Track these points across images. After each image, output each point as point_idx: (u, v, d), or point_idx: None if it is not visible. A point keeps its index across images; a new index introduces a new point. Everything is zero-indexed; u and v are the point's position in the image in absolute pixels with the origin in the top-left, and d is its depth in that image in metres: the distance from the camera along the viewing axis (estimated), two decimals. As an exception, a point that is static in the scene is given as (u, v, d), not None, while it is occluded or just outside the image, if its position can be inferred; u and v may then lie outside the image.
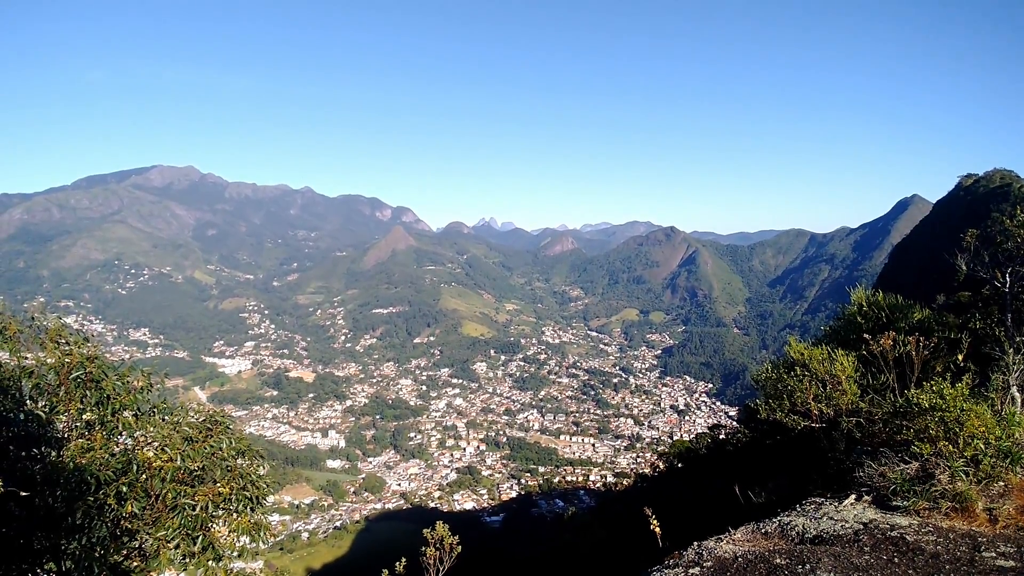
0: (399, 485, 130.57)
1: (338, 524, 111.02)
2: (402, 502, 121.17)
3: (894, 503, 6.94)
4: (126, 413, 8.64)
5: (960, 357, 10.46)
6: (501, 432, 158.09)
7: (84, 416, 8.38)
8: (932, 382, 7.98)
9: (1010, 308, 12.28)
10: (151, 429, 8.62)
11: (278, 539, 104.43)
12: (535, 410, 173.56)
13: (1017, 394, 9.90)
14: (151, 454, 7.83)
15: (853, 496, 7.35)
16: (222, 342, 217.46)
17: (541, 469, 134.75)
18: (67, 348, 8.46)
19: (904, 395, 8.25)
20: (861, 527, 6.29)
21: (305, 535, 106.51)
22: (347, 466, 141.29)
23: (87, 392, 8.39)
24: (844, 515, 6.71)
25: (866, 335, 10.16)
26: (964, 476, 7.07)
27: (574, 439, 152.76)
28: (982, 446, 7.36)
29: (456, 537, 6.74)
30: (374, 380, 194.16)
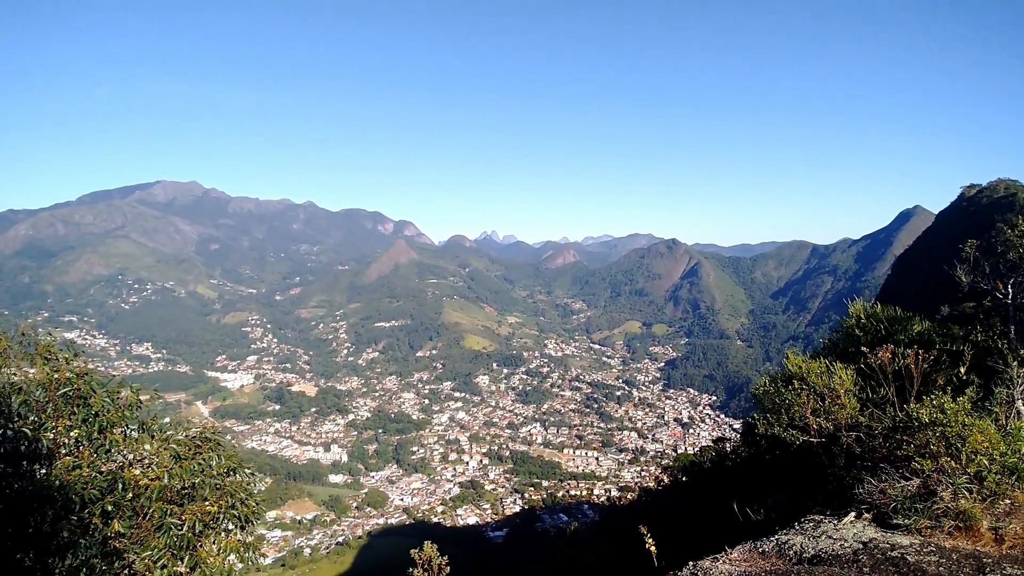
0: (402, 500, 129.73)
1: (340, 540, 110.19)
2: (405, 517, 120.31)
3: (895, 521, 6.73)
4: (116, 430, 8.51)
5: (962, 370, 10.26)
6: (504, 446, 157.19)
7: (72, 433, 8.27)
8: (932, 396, 7.78)
9: (1013, 320, 12.09)
10: (143, 447, 8.51)
11: (280, 555, 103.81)
12: (538, 423, 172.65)
13: (1023, 408, 9.69)
14: (138, 472, 7.71)
15: (853, 514, 7.15)
16: (224, 356, 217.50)
17: (544, 483, 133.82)
18: (56, 364, 8.36)
19: (904, 409, 8.07)
20: (860, 547, 6.10)
21: (307, 551, 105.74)
22: (349, 481, 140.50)
23: (75, 409, 8.29)
24: (843, 534, 6.52)
25: (864, 348, 9.98)
26: (967, 493, 6.85)
27: (578, 453, 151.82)
28: (986, 462, 7.14)
29: (445, 558, 6.56)
30: (376, 394, 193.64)
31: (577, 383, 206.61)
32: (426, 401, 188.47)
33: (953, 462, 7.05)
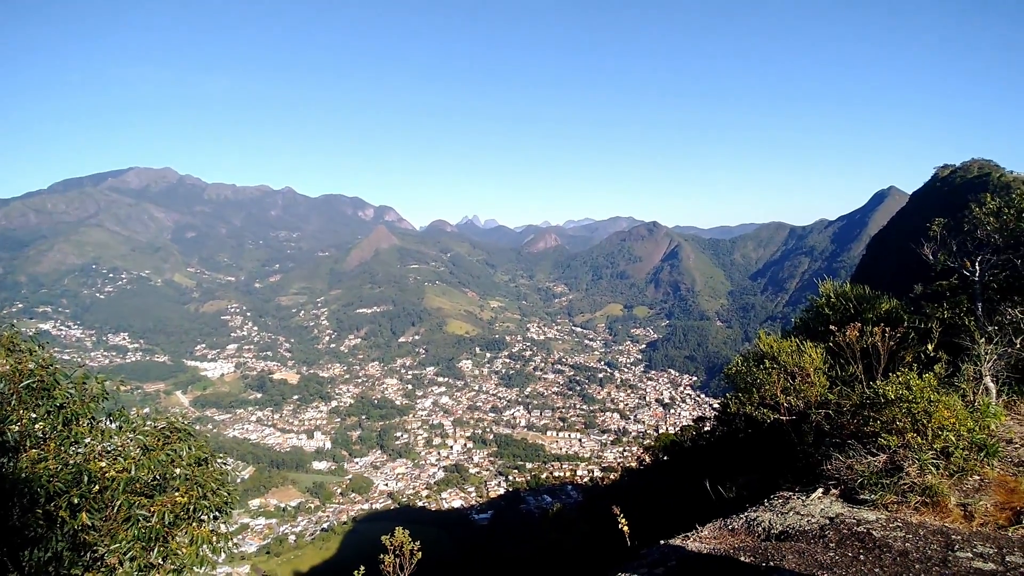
0: (386, 485, 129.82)
1: (325, 526, 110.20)
2: (390, 502, 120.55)
3: (861, 497, 6.80)
4: (82, 422, 8.35)
5: (930, 347, 10.39)
6: (488, 429, 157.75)
7: (37, 426, 8.10)
8: (899, 373, 7.85)
9: (980, 297, 12.25)
10: (112, 438, 8.35)
11: (264, 542, 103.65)
12: (521, 407, 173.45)
13: (991, 385, 9.81)
14: (104, 464, 7.57)
15: (821, 490, 7.23)
16: (204, 345, 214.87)
17: (528, 465, 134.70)
18: (20, 356, 8.18)
19: (871, 386, 8.14)
20: (827, 522, 6.16)
21: (292, 538, 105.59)
22: (333, 467, 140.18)
23: (39, 401, 8.12)
24: (811, 509, 6.59)
25: (833, 326, 10.07)
26: (934, 469, 6.90)
27: (561, 435, 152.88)
28: (952, 438, 7.18)
29: (417, 543, 6.52)
30: (359, 380, 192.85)
31: (560, 366, 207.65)
32: (409, 386, 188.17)
33: (919, 438, 7.12)
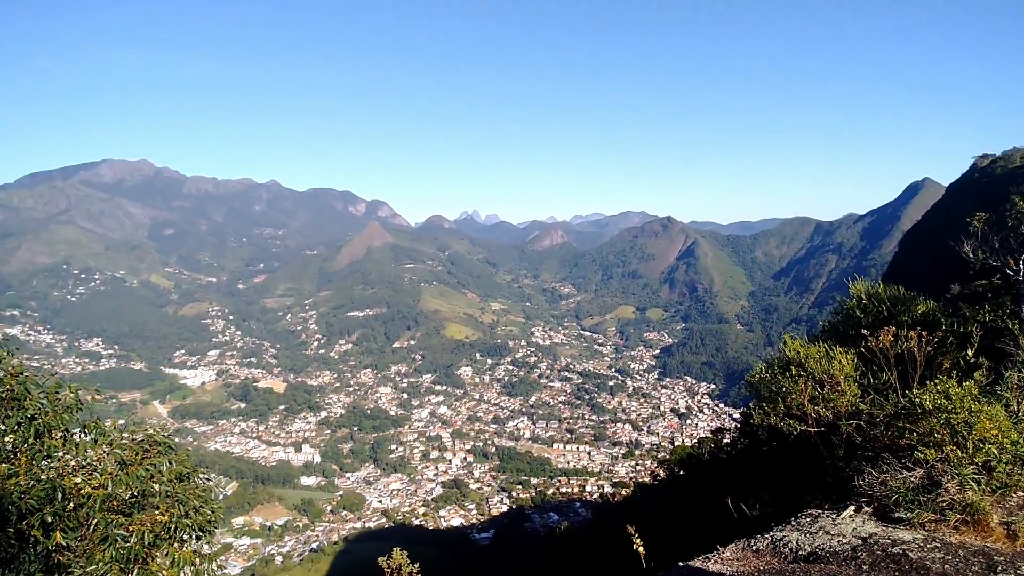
0: (380, 502, 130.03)
1: (314, 546, 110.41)
2: (384, 520, 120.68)
3: (897, 515, 6.79)
4: (55, 434, 8.37)
5: (970, 353, 10.35)
6: (490, 442, 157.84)
7: (7, 439, 8.12)
8: (937, 380, 7.82)
9: (1024, 298, 12.21)
10: (87, 452, 8.36)
11: (249, 564, 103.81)
12: (526, 417, 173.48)
13: (1037, 394, 9.76)
14: (79, 480, 7.59)
15: (852, 507, 7.22)
16: (183, 351, 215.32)
17: (533, 480, 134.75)
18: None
19: (906, 395, 8.12)
20: (860, 542, 6.15)
21: (279, 559, 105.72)
22: (323, 483, 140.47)
23: (9, 413, 8.13)
24: (842, 529, 6.58)
25: (865, 330, 10.04)
26: (975, 485, 6.86)
27: (568, 447, 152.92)
28: (995, 451, 7.15)
29: (416, 565, 6.53)
30: (351, 389, 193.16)
31: (567, 373, 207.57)
32: (405, 395, 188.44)
33: (959, 451, 7.10)
